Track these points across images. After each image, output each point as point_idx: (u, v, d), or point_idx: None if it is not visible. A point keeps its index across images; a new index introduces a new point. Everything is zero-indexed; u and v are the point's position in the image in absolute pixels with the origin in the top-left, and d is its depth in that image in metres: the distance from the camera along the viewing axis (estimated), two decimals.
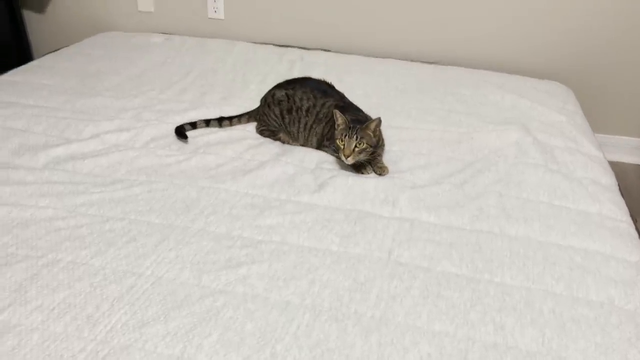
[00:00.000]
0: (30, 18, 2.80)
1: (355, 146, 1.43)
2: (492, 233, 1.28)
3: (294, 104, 1.63)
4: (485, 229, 1.30)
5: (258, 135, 1.71)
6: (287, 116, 1.64)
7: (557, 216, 1.36)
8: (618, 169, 2.39)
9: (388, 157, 1.59)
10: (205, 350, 0.93)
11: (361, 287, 1.09)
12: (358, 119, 1.51)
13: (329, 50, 2.49)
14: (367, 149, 1.45)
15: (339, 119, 1.47)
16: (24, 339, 0.93)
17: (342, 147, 1.44)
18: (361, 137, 1.43)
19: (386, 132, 1.69)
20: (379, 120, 1.46)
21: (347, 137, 1.43)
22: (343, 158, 1.45)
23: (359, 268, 1.14)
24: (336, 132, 1.48)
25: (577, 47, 2.37)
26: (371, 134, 1.46)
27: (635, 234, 1.34)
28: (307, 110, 1.62)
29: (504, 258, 1.20)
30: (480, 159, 1.61)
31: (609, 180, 1.56)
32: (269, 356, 0.92)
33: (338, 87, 1.73)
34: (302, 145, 1.66)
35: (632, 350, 0.99)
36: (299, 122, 1.63)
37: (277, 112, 1.65)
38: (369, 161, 1.52)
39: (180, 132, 1.64)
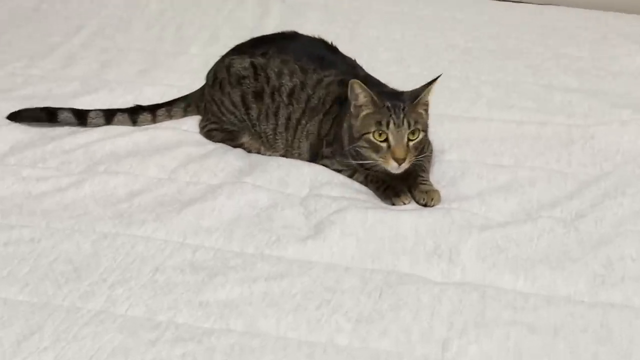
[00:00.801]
0: None
1: (408, 138, 1.46)
2: (629, 308, 1.27)
3: (268, 82, 1.65)
4: (618, 301, 1.29)
5: (203, 139, 1.73)
6: (255, 105, 1.67)
7: None
8: None
9: (440, 172, 1.61)
10: None
11: None
12: (394, 93, 1.54)
13: None
14: (424, 140, 1.50)
15: (361, 94, 1.48)
16: None
17: (382, 145, 1.46)
18: (415, 121, 1.46)
19: (438, 127, 1.71)
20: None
21: (392, 123, 1.45)
22: (390, 166, 1.47)
23: None
24: (359, 120, 1.50)
25: None
26: (423, 112, 1.49)
27: None
28: (291, 94, 1.64)
29: None
30: (609, 174, 1.61)
31: None
32: None
33: (349, 49, 1.74)
34: (284, 154, 1.68)
35: None
36: (277, 114, 1.65)
37: (238, 97, 1.68)
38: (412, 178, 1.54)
39: (32, 115, 1.69)
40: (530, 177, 1.62)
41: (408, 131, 1.43)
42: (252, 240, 1.42)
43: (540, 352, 1.19)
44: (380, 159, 1.46)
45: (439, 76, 1.49)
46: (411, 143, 1.45)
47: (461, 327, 1.23)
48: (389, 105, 1.45)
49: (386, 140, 1.45)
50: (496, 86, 1.96)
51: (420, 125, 1.46)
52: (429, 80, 1.53)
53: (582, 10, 2.40)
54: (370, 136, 1.46)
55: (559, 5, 2.43)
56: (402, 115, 1.43)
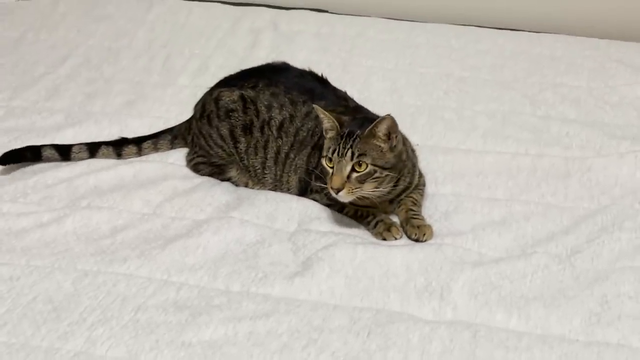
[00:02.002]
0: None
1: (353, 169, 1.46)
2: (626, 348, 1.27)
3: (257, 115, 1.66)
4: (614, 340, 1.29)
5: (190, 172, 1.73)
6: (243, 138, 1.67)
7: None
8: None
9: (433, 206, 1.61)
10: None
11: None
12: (366, 118, 1.55)
13: (323, 11, 2.55)
14: (378, 175, 1.48)
15: (325, 120, 1.51)
16: None
17: (329, 170, 1.48)
18: (361, 154, 1.45)
19: (432, 159, 1.72)
20: (391, 120, 1.49)
21: (337, 153, 1.46)
22: (332, 192, 1.48)
23: None
24: (325, 143, 1.52)
25: None
26: (382, 146, 1.48)
27: None
28: (281, 127, 1.65)
29: None
30: (607, 208, 1.62)
31: None
32: None
33: (341, 78, 1.75)
34: (272, 188, 1.68)
35: None
36: (266, 148, 1.66)
37: (226, 130, 1.68)
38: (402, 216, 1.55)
39: (14, 156, 1.69)
40: (525, 211, 1.62)
41: (351, 162, 1.44)
42: (238, 277, 1.42)
43: None
44: (327, 184, 1.48)
45: (388, 115, 1.48)
46: (354, 174, 1.45)
47: None
48: (346, 132, 1.46)
49: (331, 167, 1.47)
50: (491, 117, 1.97)
51: (369, 158, 1.45)
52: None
53: (579, 38, 2.41)
54: (323, 160, 1.49)
55: (555, 33, 2.43)
56: (348, 145, 1.44)
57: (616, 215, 1.60)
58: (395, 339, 1.27)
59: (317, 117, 1.58)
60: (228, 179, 1.72)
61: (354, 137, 1.45)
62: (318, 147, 1.58)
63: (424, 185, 1.63)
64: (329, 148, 1.48)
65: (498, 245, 1.53)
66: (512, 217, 1.60)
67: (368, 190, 1.48)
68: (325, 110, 1.51)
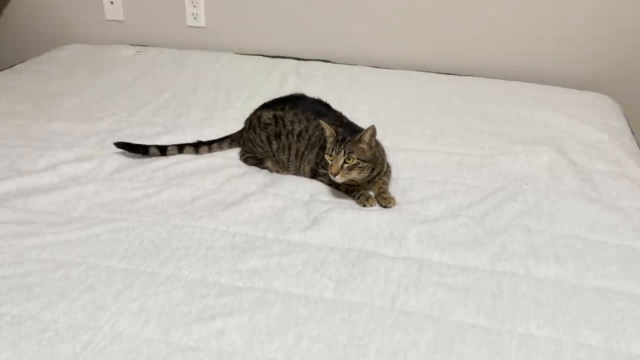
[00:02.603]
0: None
1: (345, 162, 1.47)
2: (516, 275, 1.29)
3: (284, 127, 1.67)
4: (508, 270, 1.30)
5: (242, 163, 1.74)
6: (275, 142, 1.68)
7: (596, 254, 1.36)
8: None
9: (396, 186, 1.62)
10: None
11: (358, 341, 1.09)
12: (353, 130, 1.57)
13: (328, 61, 2.54)
14: (361, 165, 1.50)
15: (327, 130, 1.52)
16: None
17: (329, 162, 1.49)
18: (350, 152, 1.47)
19: (396, 156, 1.73)
20: (373, 130, 1.50)
21: (334, 151, 1.48)
22: (331, 176, 1.50)
23: (356, 319, 1.15)
24: (327, 145, 1.53)
25: (626, 51, 2.40)
26: (364, 147, 1.50)
27: None
28: (299, 135, 1.65)
29: (530, 305, 1.20)
30: (505, 187, 1.62)
31: None
32: None
33: (339, 104, 1.79)
34: (294, 174, 1.69)
35: None
36: (290, 148, 1.67)
37: (264, 136, 1.69)
38: (376, 189, 1.57)
39: (138, 150, 1.72)
40: (454, 189, 1.63)
41: (343, 157, 1.46)
42: (271, 229, 1.43)
43: (456, 304, 1.19)
44: (328, 171, 1.50)
45: (372, 126, 1.51)
46: (345, 165, 1.47)
47: (405, 287, 1.24)
48: (340, 139, 1.48)
49: (331, 161, 1.49)
50: (434, 130, 1.97)
51: (356, 155, 1.47)
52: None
53: (494, 79, 2.42)
54: (326, 156, 1.50)
55: (479, 77, 2.44)
56: (342, 147, 1.46)
57: (511, 192, 1.60)
58: (370, 268, 1.29)
59: (322, 128, 1.57)
60: (266, 168, 1.72)
61: (346, 141, 1.47)
62: (322, 148, 1.58)
63: (390, 172, 1.63)
64: (330, 148, 1.49)
65: (436, 211, 1.53)
66: (446, 193, 1.60)
67: (354, 175, 1.49)
68: (327, 124, 1.52)
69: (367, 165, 1.51)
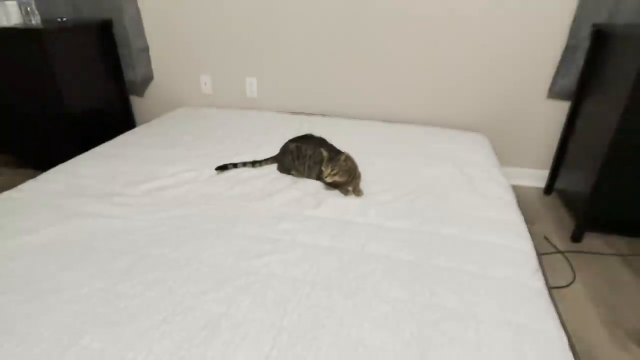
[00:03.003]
0: (133, 100, 2.87)
1: (331, 170, 1.46)
2: (431, 233, 1.30)
3: (301, 152, 1.66)
4: (427, 230, 1.31)
5: (278, 172, 1.72)
6: (296, 160, 1.67)
7: (475, 222, 1.37)
8: (517, 190, 2.42)
9: (364, 184, 1.60)
10: (242, 310, 0.97)
11: (343, 268, 1.12)
12: (337, 153, 1.55)
13: (325, 115, 2.53)
14: (339, 173, 1.47)
15: (324, 155, 1.51)
16: (129, 305, 0.98)
17: (325, 172, 1.48)
18: (334, 166, 1.46)
19: (364, 167, 1.70)
20: (344, 156, 1.48)
21: (326, 166, 1.47)
22: (325, 177, 1.47)
23: (342, 256, 1.17)
24: (324, 162, 1.51)
25: (491, 109, 2.38)
26: (342, 163, 1.47)
27: (527, 233, 1.34)
28: (310, 156, 1.64)
29: (439, 249, 1.21)
30: (425, 185, 1.61)
31: (510, 197, 1.56)
32: (282, 314, 0.96)
33: (331, 139, 1.77)
34: (307, 178, 1.67)
35: (525, 305, 1.01)
36: (305, 163, 1.65)
37: (290, 157, 1.68)
38: (349, 186, 1.53)
39: (221, 168, 1.69)
40: (396, 186, 1.60)
41: (330, 170, 1.44)
42: (293, 208, 1.42)
43: (398, 249, 1.20)
44: (323, 176, 1.47)
45: (344, 154, 1.47)
46: (332, 173, 1.45)
47: (369, 239, 1.25)
48: (329, 159, 1.47)
49: (325, 170, 1.46)
50: (384, 154, 1.92)
51: (337, 168, 1.44)
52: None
53: (417, 125, 2.36)
54: (322, 168, 1.48)
55: (408, 123, 2.37)
56: (330, 164, 1.45)
57: (428, 187, 1.57)
58: (350, 229, 1.30)
59: (320, 153, 1.57)
60: (291, 175, 1.69)
61: (332, 160, 1.47)
62: (320, 164, 1.56)
63: (360, 176, 1.59)
64: (324, 164, 1.48)
65: (387, 197, 1.51)
66: (391, 188, 1.58)
67: (336, 178, 1.48)
68: (325, 151, 1.51)
69: (344, 172, 1.48)
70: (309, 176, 1.66)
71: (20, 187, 1.53)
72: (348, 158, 1.51)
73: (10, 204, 1.40)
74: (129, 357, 0.83)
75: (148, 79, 2.73)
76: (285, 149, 1.71)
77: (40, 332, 0.87)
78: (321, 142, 1.71)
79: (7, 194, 1.48)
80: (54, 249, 1.15)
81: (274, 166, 1.77)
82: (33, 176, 1.63)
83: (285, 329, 0.92)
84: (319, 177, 1.63)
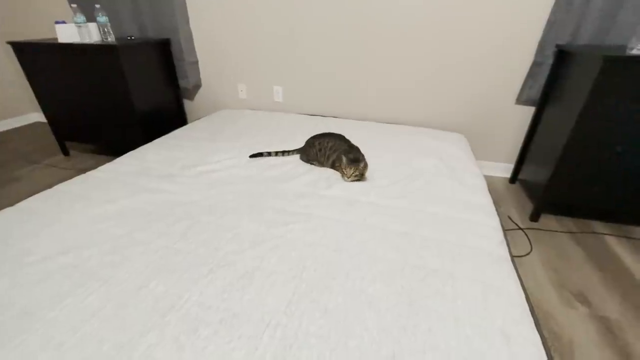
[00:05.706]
0: (185, 103, 2.86)
1: (353, 171, 1.44)
2: (420, 210, 1.29)
3: (322, 145, 1.63)
4: (416, 208, 1.30)
5: (299, 161, 1.70)
6: (318, 152, 1.63)
7: (455, 203, 1.35)
8: (488, 179, 2.38)
9: (369, 173, 1.57)
10: (270, 265, 1.00)
11: (350, 236, 1.13)
12: (356, 159, 1.49)
13: (336, 117, 2.49)
14: (357, 174, 1.45)
15: (344, 161, 1.46)
16: (185, 258, 1.00)
17: (346, 173, 1.45)
18: (355, 169, 1.44)
19: (372, 159, 1.68)
20: (364, 164, 1.47)
21: (348, 168, 1.45)
22: (345, 178, 1.46)
23: (348, 227, 1.17)
24: (343, 165, 1.48)
25: (468, 114, 2.32)
26: (362, 169, 1.46)
27: (495, 213, 1.32)
28: (328, 149, 1.61)
29: (425, 222, 1.21)
30: (415, 173, 1.59)
31: (483, 184, 1.53)
32: (302, 268, 0.99)
33: (346, 135, 1.76)
34: (323, 166, 1.65)
35: (492, 268, 1.01)
36: (325, 154, 1.62)
37: (314, 151, 1.65)
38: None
39: (255, 155, 1.66)
40: (392, 173, 1.57)
41: (352, 172, 1.40)
42: (310, 189, 1.40)
43: (392, 222, 1.19)
44: (344, 176, 1.43)
45: (364, 162, 1.43)
46: (353, 174, 1.41)
47: (369, 214, 1.23)
48: (351, 162, 1.43)
49: (347, 172, 1.43)
50: (384, 147, 1.86)
51: (358, 170, 1.40)
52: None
53: (406, 125, 2.28)
54: (345, 169, 1.44)
55: (401, 124, 2.32)
56: (352, 167, 1.41)
57: (417, 175, 1.54)
58: (356, 207, 1.28)
59: (339, 146, 1.52)
60: (312, 163, 1.65)
61: (354, 164, 1.42)
62: (337, 155, 1.54)
63: (366, 166, 1.52)
64: (346, 166, 1.43)
65: (385, 182, 1.48)
66: (388, 175, 1.54)
67: (354, 178, 1.44)
68: (344, 157, 1.44)
69: (361, 175, 1.45)
70: (325, 165, 1.62)
71: (101, 168, 1.56)
72: (365, 165, 1.47)
73: (95, 181, 1.44)
74: (185, 296, 0.86)
75: (197, 86, 2.74)
76: (311, 143, 1.67)
77: (119, 276, 0.92)
78: (340, 137, 1.66)
79: (91, 173, 1.52)
80: (128, 215, 1.18)
81: (297, 156, 1.75)
82: (110, 160, 1.67)
83: (304, 279, 0.94)
84: (333, 166, 1.59)
